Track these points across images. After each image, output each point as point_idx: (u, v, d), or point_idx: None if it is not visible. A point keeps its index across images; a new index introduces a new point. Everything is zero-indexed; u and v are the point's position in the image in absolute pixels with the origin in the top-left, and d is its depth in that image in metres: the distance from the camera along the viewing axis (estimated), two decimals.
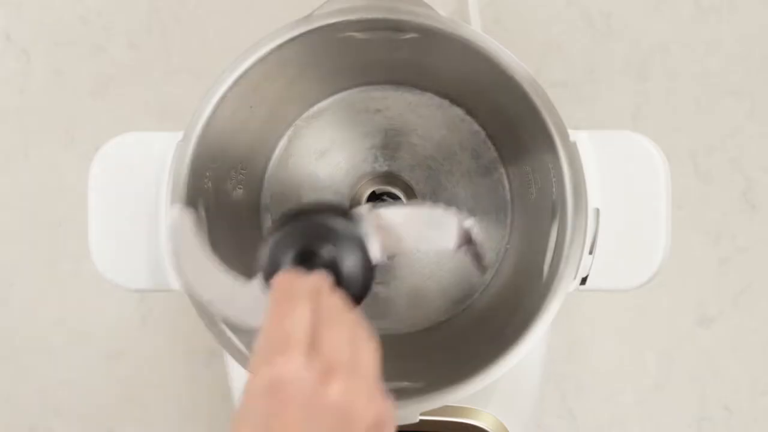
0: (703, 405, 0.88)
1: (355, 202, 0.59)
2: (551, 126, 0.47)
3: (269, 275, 0.37)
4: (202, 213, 0.51)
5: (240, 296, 0.39)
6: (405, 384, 0.50)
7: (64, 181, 0.90)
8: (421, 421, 0.47)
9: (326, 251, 0.37)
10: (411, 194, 0.59)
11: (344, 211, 0.38)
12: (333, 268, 0.36)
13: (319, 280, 0.34)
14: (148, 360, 0.91)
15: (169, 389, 0.91)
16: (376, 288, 0.59)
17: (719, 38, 0.88)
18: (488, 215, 0.59)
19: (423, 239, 0.39)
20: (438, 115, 0.59)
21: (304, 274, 0.35)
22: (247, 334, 0.49)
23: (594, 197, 0.48)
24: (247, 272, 0.57)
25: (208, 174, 0.51)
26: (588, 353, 0.88)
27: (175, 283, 0.49)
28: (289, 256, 0.37)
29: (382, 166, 0.59)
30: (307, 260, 0.36)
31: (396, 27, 0.48)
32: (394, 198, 0.59)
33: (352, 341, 0.32)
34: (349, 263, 0.37)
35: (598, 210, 0.48)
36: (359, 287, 0.37)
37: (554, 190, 0.49)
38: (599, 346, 0.88)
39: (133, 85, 0.91)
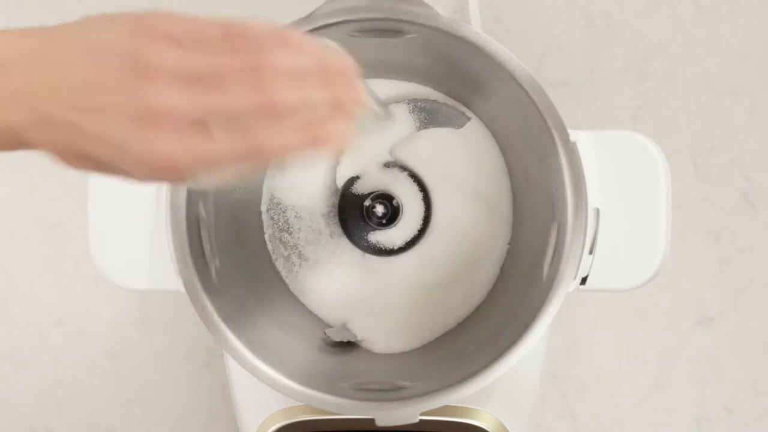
0: (703, 405, 0.88)
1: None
2: (551, 126, 0.47)
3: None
4: (203, 213, 0.51)
5: None
6: (405, 384, 0.50)
7: (64, 181, 0.90)
8: (421, 421, 0.47)
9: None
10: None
11: None
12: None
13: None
14: (148, 360, 0.91)
15: (169, 389, 0.91)
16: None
17: (719, 38, 0.88)
18: None
19: None
20: None
21: None
22: (247, 333, 0.49)
23: (594, 197, 0.48)
24: (247, 272, 0.58)
25: None
26: (588, 353, 0.88)
27: (174, 283, 0.49)
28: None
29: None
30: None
31: (396, 27, 0.48)
32: (395, 197, 0.59)
33: None
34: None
35: (598, 210, 0.48)
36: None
37: (554, 190, 0.49)
38: (599, 346, 0.88)
39: None
